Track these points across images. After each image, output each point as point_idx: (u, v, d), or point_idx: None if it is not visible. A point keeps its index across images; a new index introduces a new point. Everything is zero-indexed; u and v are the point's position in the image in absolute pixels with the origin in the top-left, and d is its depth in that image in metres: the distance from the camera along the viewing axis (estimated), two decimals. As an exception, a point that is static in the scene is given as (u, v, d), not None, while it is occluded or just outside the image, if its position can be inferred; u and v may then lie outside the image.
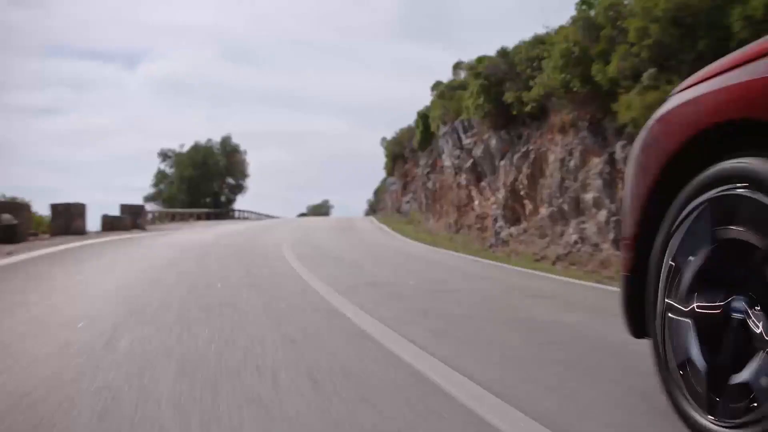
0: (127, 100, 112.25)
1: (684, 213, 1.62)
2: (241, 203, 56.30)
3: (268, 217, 48.25)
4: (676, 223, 1.65)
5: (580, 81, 10.14)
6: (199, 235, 15.39)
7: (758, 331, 1.38)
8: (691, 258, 1.59)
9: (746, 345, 1.41)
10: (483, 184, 16.05)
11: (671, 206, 1.67)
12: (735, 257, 1.48)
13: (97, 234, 15.02)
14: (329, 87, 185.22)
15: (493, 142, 14.83)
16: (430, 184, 22.44)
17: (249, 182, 54.56)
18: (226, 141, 53.40)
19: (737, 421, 1.39)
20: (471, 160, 16.61)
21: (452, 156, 18.68)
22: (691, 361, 1.56)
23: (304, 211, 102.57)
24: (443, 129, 19.87)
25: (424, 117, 23.77)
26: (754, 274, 1.42)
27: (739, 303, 1.46)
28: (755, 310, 1.41)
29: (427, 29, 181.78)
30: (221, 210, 44.13)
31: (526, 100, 12.37)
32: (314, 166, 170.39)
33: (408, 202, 33.00)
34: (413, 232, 19.22)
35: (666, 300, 1.65)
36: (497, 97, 13.69)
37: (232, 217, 42.28)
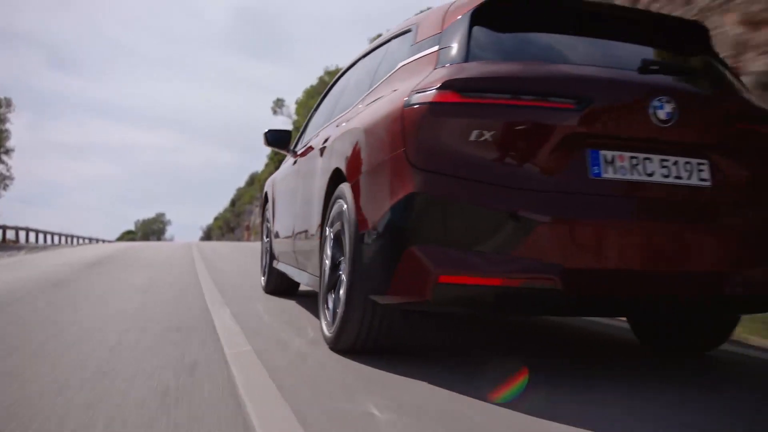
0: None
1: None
2: (4, 208, 27.07)
3: (52, 241, 24.55)
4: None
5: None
6: None
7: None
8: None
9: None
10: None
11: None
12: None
13: None
14: (162, 99, 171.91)
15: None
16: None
17: (17, 165, 27.05)
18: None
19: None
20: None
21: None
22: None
23: (131, 228, 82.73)
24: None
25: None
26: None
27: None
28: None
29: (259, 45, 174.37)
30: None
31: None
32: (146, 179, 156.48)
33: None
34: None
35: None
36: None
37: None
